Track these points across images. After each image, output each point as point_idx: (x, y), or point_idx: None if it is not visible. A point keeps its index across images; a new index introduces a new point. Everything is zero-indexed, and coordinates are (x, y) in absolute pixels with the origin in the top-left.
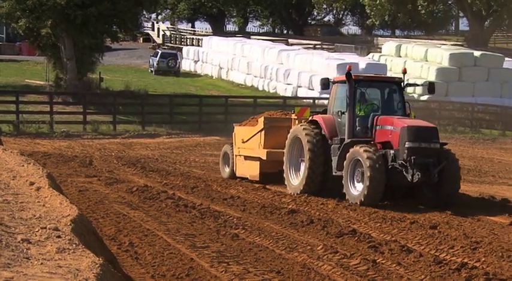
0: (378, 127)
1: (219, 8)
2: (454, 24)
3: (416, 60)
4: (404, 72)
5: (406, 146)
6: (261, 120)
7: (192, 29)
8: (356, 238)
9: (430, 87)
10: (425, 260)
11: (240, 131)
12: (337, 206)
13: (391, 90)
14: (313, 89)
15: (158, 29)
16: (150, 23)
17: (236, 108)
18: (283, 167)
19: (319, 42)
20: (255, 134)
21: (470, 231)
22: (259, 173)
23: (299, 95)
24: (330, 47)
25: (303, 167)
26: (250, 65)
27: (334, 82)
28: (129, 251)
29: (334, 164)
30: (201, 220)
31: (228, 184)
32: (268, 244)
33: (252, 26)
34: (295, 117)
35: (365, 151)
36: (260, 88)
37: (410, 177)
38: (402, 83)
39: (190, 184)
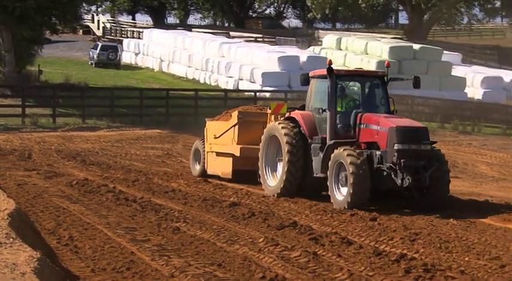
0: (362, 126)
1: (160, 0)
2: (393, 18)
3: (356, 54)
4: (388, 66)
5: (395, 148)
6: (235, 114)
7: (133, 21)
8: (297, 230)
9: (415, 81)
10: (365, 252)
11: (212, 126)
12: (278, 199)
13: (373, 85)
14: (254, 82)
15: (98, 21)
16: (90, 15)
17: (177, 101)
18: (259, 167)
19: (260, 35)
20: (228, 130)
21: (409, 223)
22: (231, 171)
23: (241, 87)
24: (271, 40)
25: (281, 167)
26: (191, 57)
27: (313, 77)
28: (69, 245)
29: (315, 165)
30: (142, 213)
31: (169, 177)
32: (210, 237)
33: (193, 19)
34: (271, 113)
35: (348, 154)
36: (201, 81)
37: (399, 181)
38: (385, 78)
39: (131, 177)
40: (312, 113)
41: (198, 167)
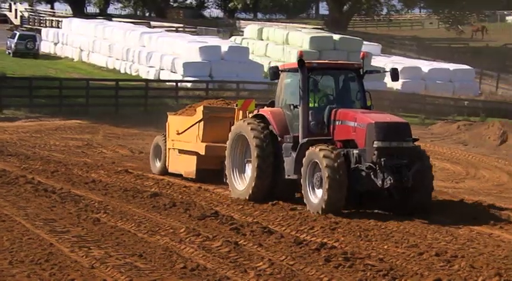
0: (337, 123)
1: None
2: (314, 8)
3: (277, 44)
4: (364, 57)
5: (374, 146)
6: (200, 109)
7: (52, 10)
8: (218, 220)
9: (393, 74)
10: (286, 241)
11: (175, 121)
12: (199, 189)
13: (348, 79)
14: (175, 72)
15: (16, 10)
16: (7, 4)
17: (98, 91)
18: (226, 169)
19: (181, 25)
20: (192, 126)
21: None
22: (195, 170)
23: (162, 77)
24: (193, 30)
25: (249, 169)
26: (111, 47)
27: (283, 70)
28: None
29: (286, 166)
30: (62, 204)
31: (90, 167)
32: (130, 227)
33: (113, 8)
34: (238, 109)
35: (325, 156)
36: (122, 71)
37: (380, 182)
38: (361, 70)
39: (50, 168)
40: (282, 110)
41: (158, 165)
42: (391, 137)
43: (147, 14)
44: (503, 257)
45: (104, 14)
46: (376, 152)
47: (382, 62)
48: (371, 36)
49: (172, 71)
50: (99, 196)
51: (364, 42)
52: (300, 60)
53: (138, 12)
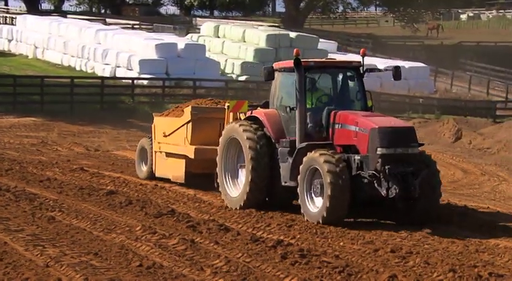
0: (336, 126)
1: None
2: (270, 6)
3: (234, 41)
4: (364, 54)
5: (378, 152)
6: (188, 110)
7: (6, 7)
8: (175, 218)
9: (396, 72)
10: (242, 239)
11: (161, 123)
12: (156, 187)
13: (348, 78)
14: (132, 70)
15: None
16: None
17: (52, 89)
18: (217, 173)
19: (137, 23)
20: (180, 127)
21: (286, 209)
22: (184, 174)
23: (118, 75)
24: (149, 27)
25: (243, 174)
26: (66, 44)
27: (277, 70)
28: None
29: (283, 172)
30: (16, 202)
31: (44, 165)
32: (86, 225)
33: (68, 5)
34: (230, 111)
35: (326, 161)
36: (77, 68)
37: (384, 191)
38: (361, 68)
39: (4, 166)
40: (277, 112)
41: (144, 169)
42: (395, 143)
43: (102, 11)
44: (458, 253)
45: (58, 11)
46: (379, 160)
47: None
48: (327, 34)
49: (128, 69)
50: (54, 194)
51: (321, 40)
52: (296, 59)
53: (93, 9)
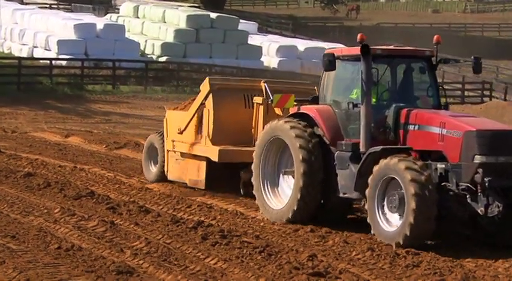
0: (411, 127)
1: None
2: None
3: (154, 22)
4: (438, 42)
5: (476, 161)
6: (206, 81)
7: None
8: (94, 200)
9: (476, 64)
10: (163, 220)
11: (175, 117)
12: (75, 169)
13: (417, 69)
14: (50, 50)
15: None
16: None
17: None
18: (252, 180)
19: (55, 2)
20: (197, 111)
21: (206, 190)
22: (205, 179)
23: (35, 55)
24: (67, 7)
25: (285, 182)
26: None
27: (340, 58)
28: None
29: (342, 181)
30: None
31: None
32: (3, 208)
33: None
34: (275, 107)
35: (407, 167)
36: None
37: (482, 208)
38: (434, 59)
39: None
40: (331, 109)
41: (154, 170)
42: (498, 151)
43: None
44: None
45: None
46: (479, 170)
47: (259, 40)
48: (248, 15)
49: (46, 49)
50: None
51: (241, 21)
52: (364, 46)
53: None
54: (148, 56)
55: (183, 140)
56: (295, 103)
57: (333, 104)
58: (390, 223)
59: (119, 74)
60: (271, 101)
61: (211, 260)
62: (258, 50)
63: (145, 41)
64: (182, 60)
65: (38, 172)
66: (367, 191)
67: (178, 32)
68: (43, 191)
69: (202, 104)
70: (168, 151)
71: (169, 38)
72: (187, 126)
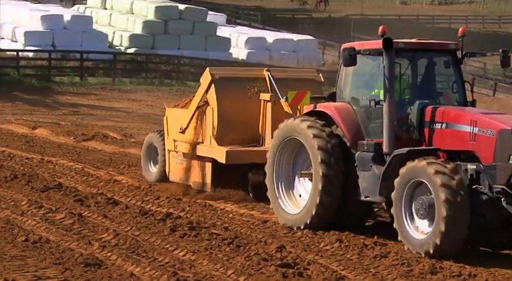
0: (437, 125)
1: None
2: None
3: (122, 13)
4: (463, 35)
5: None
6: (206, 72)
7: None
8: (62, 192)
9: (504, 58)
10: (131, 212)
11: (176, 116)
12: (42, 161)
13: (442, 64)
14: (16, 41)
15: None
16: None
17: None
18: (266, 181)
19: None
20: (198, 106)
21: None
22: (211, 182)
23: (2, 47)
24: None
25: (300, 185)
26: None
27: (361, 53)
28: None
29: (364, 184)
30: None
31: None
32: None
33: None
34: (289, 105)
35: (437, 171)
36: None
37: None
38: (460, 52)
39: None
40: (350, 106)
41: (154, 170)
42: None
43: None
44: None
45: None
46: None
47: (227, 32)
48: (216, 6)
49: (13, 40)
50: None
51: (210, 12)
52: (387, 40)
53: None
54: (117, 47)
55: (186, 139)
56: (311, 101)
57: (352, 101)
58: (419, 230)
59: (86, 66)
60: (286, 98)
61: (179, 252)
62: (226, 42)
63: (113, 32)
64: (150, 51)
65: (5, 164)
66: (392, 195)
67: (146, 24)
68: (10, 183)
69: (204, 99)
70: (169, 151)
71: (138, 29)
72: (189, 125)
